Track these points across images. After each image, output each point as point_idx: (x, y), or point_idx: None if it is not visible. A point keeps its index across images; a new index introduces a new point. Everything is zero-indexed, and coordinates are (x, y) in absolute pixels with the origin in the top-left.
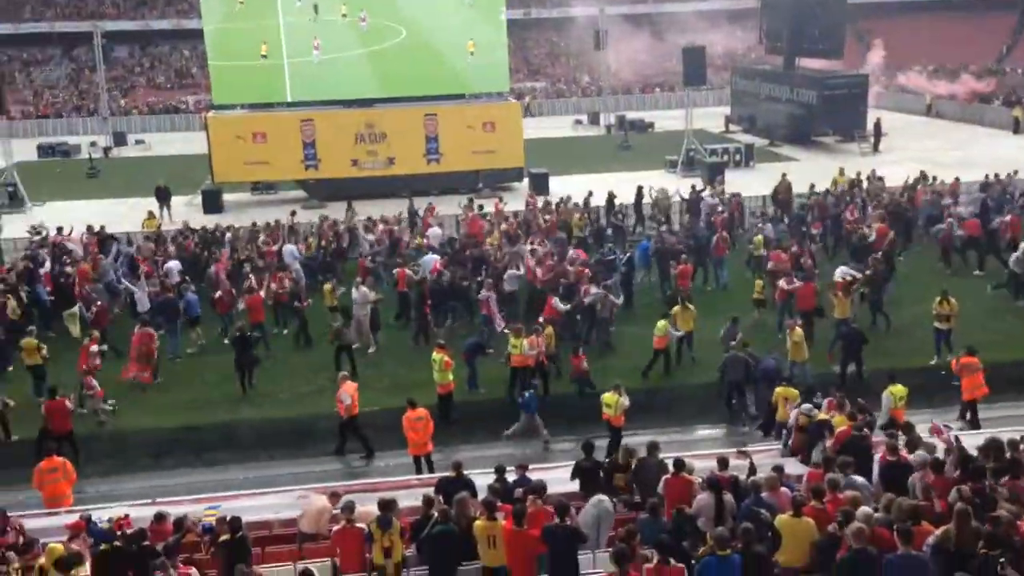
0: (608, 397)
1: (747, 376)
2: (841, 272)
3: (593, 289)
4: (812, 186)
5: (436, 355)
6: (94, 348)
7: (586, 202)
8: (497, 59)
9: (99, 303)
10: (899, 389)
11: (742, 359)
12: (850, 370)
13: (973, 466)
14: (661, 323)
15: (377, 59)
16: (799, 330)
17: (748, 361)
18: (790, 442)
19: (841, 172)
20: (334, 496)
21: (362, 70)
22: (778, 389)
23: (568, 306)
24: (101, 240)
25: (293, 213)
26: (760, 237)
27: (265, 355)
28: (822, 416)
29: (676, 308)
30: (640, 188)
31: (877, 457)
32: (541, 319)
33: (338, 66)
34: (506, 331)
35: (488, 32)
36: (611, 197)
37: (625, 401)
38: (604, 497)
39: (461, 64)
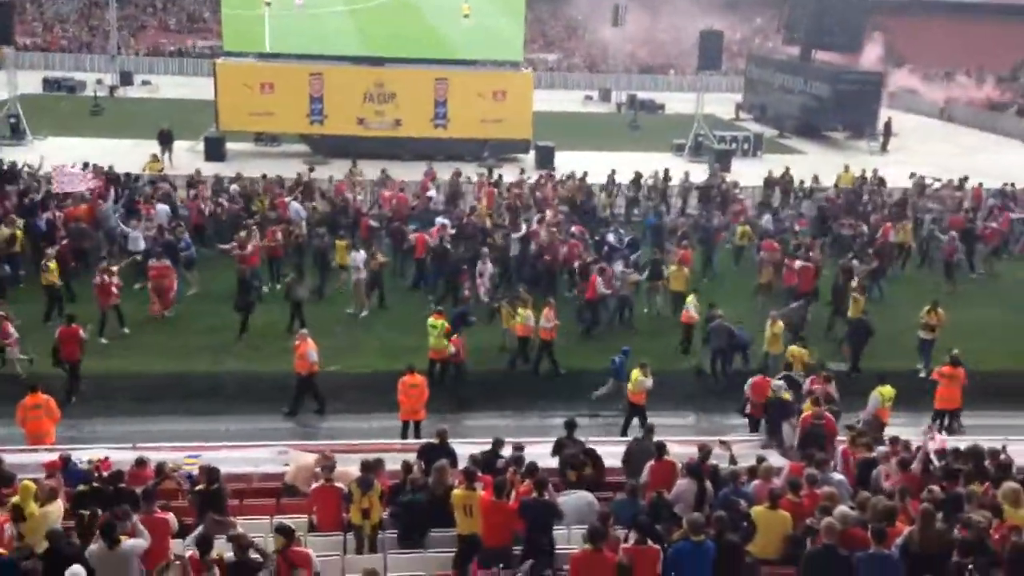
0: (633, 374)
1: (730, 344)
2: (859, 269)
3: (619, 268)
4: (815, 178)
5: (435, 320)
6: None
7: (610, 180)
8: (512, 28)
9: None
10: (888, 390)
11: (725, 327)
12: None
13: (945, 468)
14: (690, 297)
15: (371, 15)
16: (780, 323)
17: (731, 329)
18: (747, 409)
19: (846, 169)
20: (324, 457)
21: (354, 25)
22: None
23: (609, 291)
24: (109, 180)
25: (312, 169)
26: (744, 228)
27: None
28: (785, 395)
29: (673, 269)
30: (638, 173)
31: (840, 450)
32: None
33: (337, 19)
34: (498, 302)
35: (505, 1)
36: (612, 175)
37: (648, 382)
38: (587, 493)
39: (459, 29)
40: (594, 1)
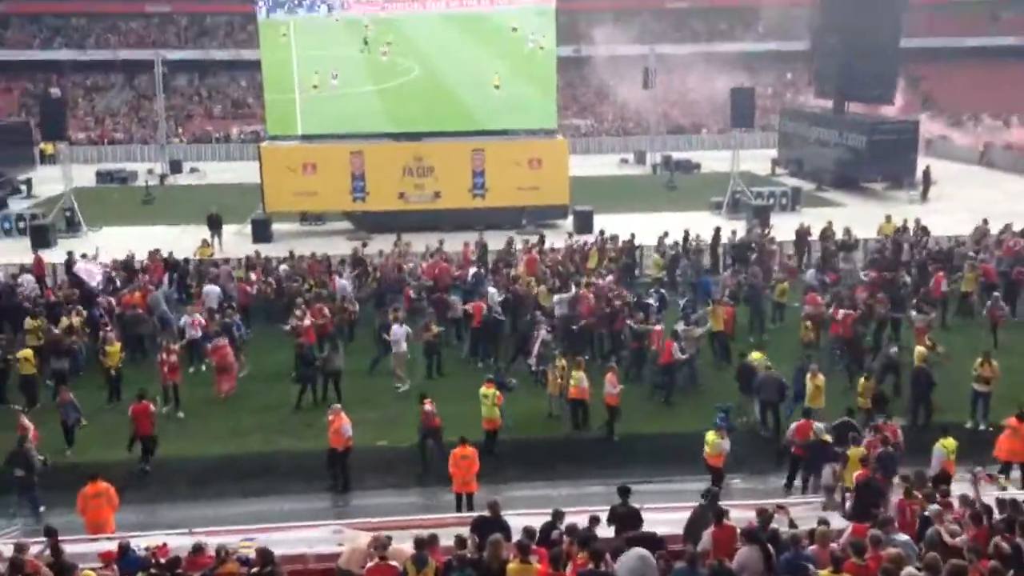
0: (709, 435)
1: (781, 396)
2: (918, 319)
3: (681, 327)
4: (847, 231)
5: (487, 390)
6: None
7: (660, 242)
8: (545, 97)
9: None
10: (950, 443)
11: (775, 379)
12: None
13: (1007, 520)
14: (756, 354)
15: (402, 94)
16: (821, 376)
17: (781, 380)
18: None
19: (888, 220)
20: (375, 539)
21: (386, 104)
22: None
23: (686, 356)
24: (168, 265)
25: (364, 244)
26: (784, 285)
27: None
28: (825, 437)
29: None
30: (687, 232)
31: (895, 502)
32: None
33: (369, 99)
34: (544, 367)
35: (537, 69)
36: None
37: (725, 444)
38: (646, 552)
39: (501, 99)
40: (624, 65)
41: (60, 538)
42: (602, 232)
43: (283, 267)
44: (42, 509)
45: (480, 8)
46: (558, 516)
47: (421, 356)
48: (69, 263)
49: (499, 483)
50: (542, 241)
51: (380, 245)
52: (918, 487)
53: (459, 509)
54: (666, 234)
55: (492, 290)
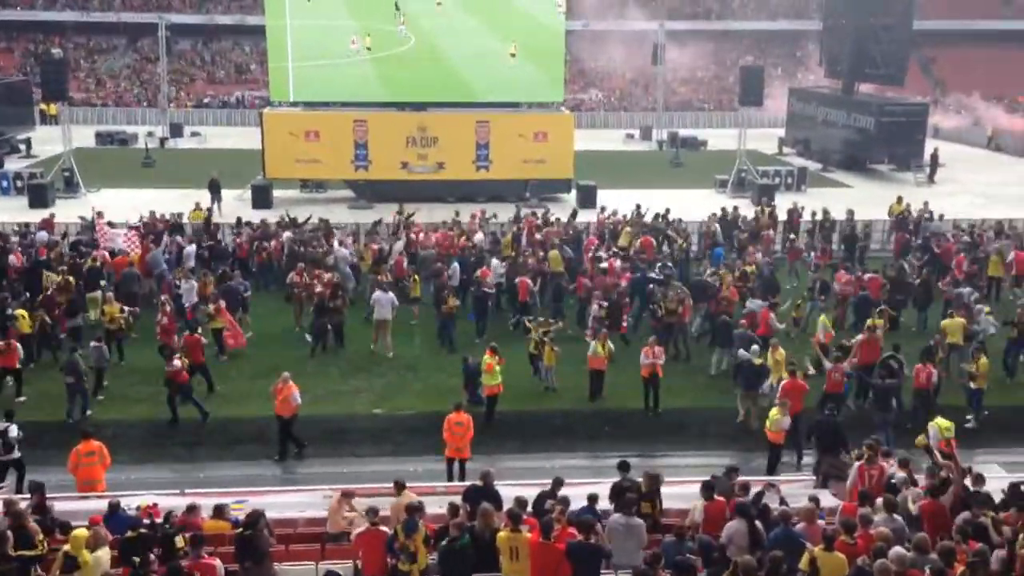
0: (771, 411)
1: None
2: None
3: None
4: (850, 212)
5: (489, 357)
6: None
7: (664, 218)
8: (553, 70)
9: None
10: (943, 422)
11: (829, 423)
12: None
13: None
14: (822, 317)
15: (424, 63)
16: (781, 351)
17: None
18: None
19: (899, 200)
20: (345, 496)
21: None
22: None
23: (783, 325)
24: (172, 227)
25: (400, 212)
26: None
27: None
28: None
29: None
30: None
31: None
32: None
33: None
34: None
35: (545, 42)
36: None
37: (786, 421)
38: (634, 519)
39: (508, 71)
40: (633, 40)
41: (53, 495)
42: (638, 206)
43: (287, 234)
44: (88, 413)
45: None
46: (557, 484)
47: (436, 328)
48: (91, 224)
49: (496, 453)
50: (546, 215)
51: (381, 214)
52: (876, 454)
53: (450, 476)
54: (667, 211)
55: (496, 262)
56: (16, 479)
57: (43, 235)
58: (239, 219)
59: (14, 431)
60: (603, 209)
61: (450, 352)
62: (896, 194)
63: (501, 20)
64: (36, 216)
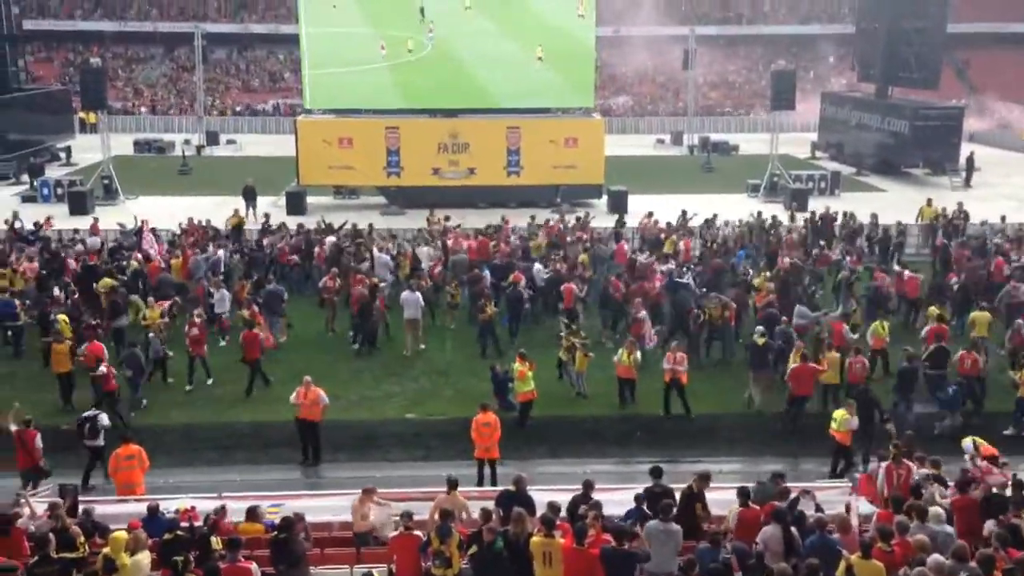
0: (838, 413)
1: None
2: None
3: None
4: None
5: (519, 364)
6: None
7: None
8: (583, 75)
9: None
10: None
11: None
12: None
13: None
14: (875, 324)
15: (452, 69)
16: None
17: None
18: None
19: (929, 203)
20: (367, 493)
21: (439, 79)
22: None
23: (856, 336)
24: (212, 236)
25: (447, 218)
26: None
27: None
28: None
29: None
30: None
31: (883, 466)
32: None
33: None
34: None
35: (572, 48)
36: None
37: (854, 422)
38: (672, 525)
39: (536, 76)
40: (664, 45)
41: (93, 498)
42: (684, 212)
43: (330, 239)
44: (144, 403)
45: None
46: (588, 487)
47: (475, 335)
48: (139, 230)
49: (529, 458)
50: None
51: (413, 220)
52: (905, 453)
53: (480, 479)
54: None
55: (538, 266)
56: (85, 468)
57: (95, 240)
58: (282, 224)
59: (105, 420)
60: (650, 214)
61: (498, 355)
62: (930, 197)
63: (527, 26)
64: (76, 223)
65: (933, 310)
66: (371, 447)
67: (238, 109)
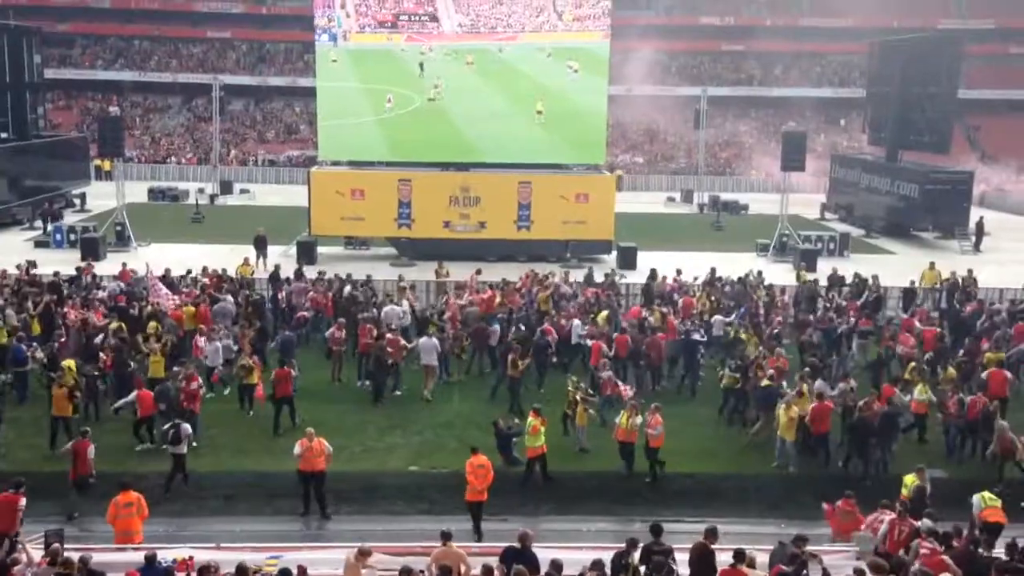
0: (908, 478)
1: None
2: None
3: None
4: (875, 278)
5: (533, 419)
6: None
7: (711, 281)
8: (595, 132)
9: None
10: (988, 496)
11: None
12: None
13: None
14: (919, 386)
15: (459, 124)
16: (795, 408)
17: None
18: None
19: (931, 267)
20: (362, 554)
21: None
22: None
23: (909, 397)
24: (221, 283)
25: (446, 272)
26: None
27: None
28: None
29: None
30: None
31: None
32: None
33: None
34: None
35: (588, 106)
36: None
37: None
38: None
39: (542, 131)
40: (676, 104)
41: (90, 546)
42: (713, 271)
43: (347, 288)
44: (194, 441)
45: (535, 40)
46: (632, 544)
47: (492, 388)
48: (165, 278)
49: (533, 515)
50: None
51: (422, 273)
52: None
53: (476, 524)
54: (714, 271)
55: (577, 323)
56: (167, 478)
57: (118, 285)
58: (299, 270)
59: (188, 429)
60: (679, 272)
61: (520, 415)
62: (941, 261)
63: (522, 86)
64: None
65: (991, 356)
66: (374, 499)
67: (254, 159)
